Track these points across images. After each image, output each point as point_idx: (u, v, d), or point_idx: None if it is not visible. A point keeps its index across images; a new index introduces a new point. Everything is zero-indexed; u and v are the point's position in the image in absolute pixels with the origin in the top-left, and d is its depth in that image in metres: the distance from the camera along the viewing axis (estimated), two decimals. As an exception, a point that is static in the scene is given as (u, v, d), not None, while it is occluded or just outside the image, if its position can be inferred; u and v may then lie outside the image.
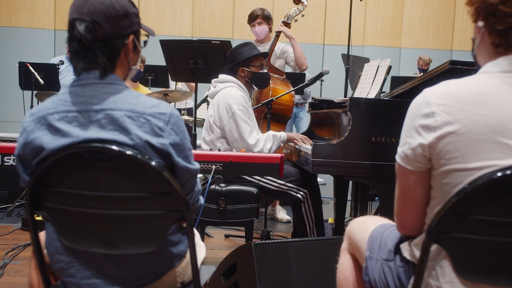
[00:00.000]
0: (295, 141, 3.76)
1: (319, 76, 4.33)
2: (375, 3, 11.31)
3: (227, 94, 3.64)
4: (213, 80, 3.84)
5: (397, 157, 1.69)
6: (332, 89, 8.02)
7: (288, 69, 5.50)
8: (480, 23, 1.63)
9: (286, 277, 2.78)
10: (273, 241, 2.86)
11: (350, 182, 4.00)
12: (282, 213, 5.42)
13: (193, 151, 2.65)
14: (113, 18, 1.70)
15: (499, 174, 1.47)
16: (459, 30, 11.35)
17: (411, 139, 1.62)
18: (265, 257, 2.77)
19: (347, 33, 11.04)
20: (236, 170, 2.74)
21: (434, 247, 1.61)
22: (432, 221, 1.56)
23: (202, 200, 1.90)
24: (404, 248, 1.77)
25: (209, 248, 4.18)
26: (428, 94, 1.61)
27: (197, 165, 1.82)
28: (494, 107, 1.51)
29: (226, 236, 4.66)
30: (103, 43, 1.71)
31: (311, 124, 4.46)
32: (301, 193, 3.62)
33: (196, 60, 4.55)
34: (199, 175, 3.11)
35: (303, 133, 4.25)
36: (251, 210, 3.49)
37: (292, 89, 4.50)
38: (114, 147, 1.62)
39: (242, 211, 3.48)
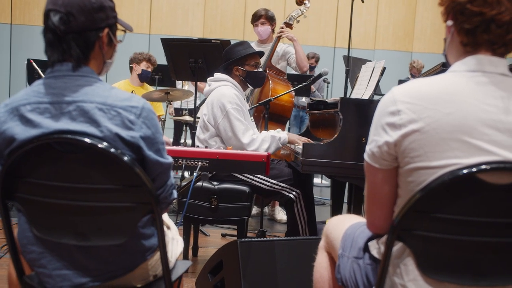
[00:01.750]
0: (297, 144, 3.75)
1: (318, 77, 4.35)
2: (386, 6, 11.28)
3: (221, 93, 3.66)
4: (208, 79, 3.87)
5: (365, 155, 1.69)
6: (339, 91, 8.01)
7: (291, 70, 5.51)
8: (449, 22, 1.63)
9: (272, 275, 2.79)
10: (259, 239, 2.86)
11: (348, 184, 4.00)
12: (281, 214, 5.42)
13: (180, 148, 2.69)
14: (88, 10, 1.72)
15: (464, 171, 1.46)
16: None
17: (377, 136, 1.62)
18: (251, 255, 2.77)
19: (358, 36, 11.12)
20: (223, 168, 2.75)
21: (399, 245, 1.62)
22: (396, 217, 1.56)
23: (175, 194, 1.90)
24: (372, 246, 1.77)
25: (204, 247, 4.22)
26: (396, 92, 1.61)
27: (169, 159, 1.83)
28: (459, 106, 1.51)
29: (223, 235, 4.66)
30: (77, 35, 1.73)
31: (309, 125, 4.46)
32: (294, 193, 3.62)
33: (196, 59, 4.57)
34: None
35: (302, 134, 4.25)
36: (243, 208, 3.50)
37: (291, 89, 4.51)
38: (87, 140, 1.63)
39: (234, 210, 3.49)
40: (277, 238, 2.88)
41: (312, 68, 8.26)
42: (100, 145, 1.63)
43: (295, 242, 2.87)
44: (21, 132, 1.67)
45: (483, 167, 1.46)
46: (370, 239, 1.81)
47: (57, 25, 1.68)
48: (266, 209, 5.61)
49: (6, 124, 1.70)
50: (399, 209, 1.57)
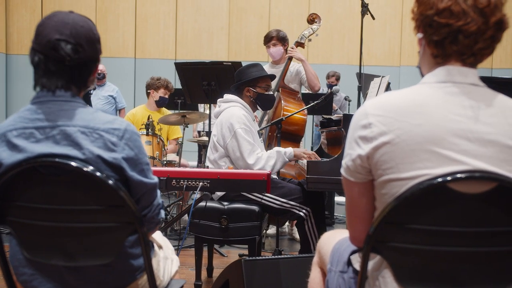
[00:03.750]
0: (303, 158, 3.77)
1: (329, 95, 4.38)
2: (411, 23, 11.20)
3: (230, 113, 3.70)
4: (218, 100, 3.92)
5: (341, 169, 1.70)
6: (361, 109, 7.98)
7: (306, 90, 5.53)
8: (419, 35, 1.65)
9: (277, 293, 2.80)
10: (263, 257, 2.88)
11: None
12: (301, 233, 5.40)
13: (182, 169, 2.73)
14: (92, 41, 1.82)
15: (433, 181, 1.47)
16: (499, 48, 10.90)
17: (351, 150, 1.64)
18: (256, 273, 2.79)
19: (383, 54, 11.09)
20: (224, 187, 2.78)
21: (377, 258, 1.62)
22: (370, 228, 1.57)
23: (163, 214, 1.93)
24: (355, 259, 1.78)
25: (220, 267, 4.23)
26: (367, 106, 1.63)
27: (154, 179, 1.86)
28: (428, 117, 1.52)
29: (240, 256, 4.68)
30: (83, 65, 1.81)
31: (325, 143, 4.47)
32: (304, 210, 3.62)
33: (209, 81, 4.64)
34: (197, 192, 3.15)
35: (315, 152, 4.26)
36: (253, 228, 3.51)
37: (302, 108, 4.54)
38: (73, 163, 1.68)
39: (244, 229, 3.50)
40: (282, 256, 2.89)
41: (332, 86, 8.27)
42: (85, 169, 1.68)
43: (300, 260, 2.88)
44: (7, 157, 1.73)
45: (458, 175, 1.47)
46: (353, 252, 1.82)
47: (70, 54, 1.75)
48: (286, 229, 5.61)
49: None
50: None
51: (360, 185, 1.66)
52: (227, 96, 3.88)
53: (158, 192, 1.91)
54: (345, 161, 1.67)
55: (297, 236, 5.38)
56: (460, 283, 1.56)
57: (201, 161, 7.15)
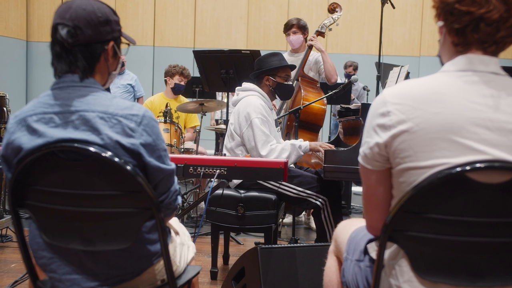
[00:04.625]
0: (319, 151, 3.76)
1: (348, 85, 4.36)
2: (432, 12, 11.12)
3: (248, 102, 3.70)
4: (236, 88, 3.93)
5: (359, 157, 1.70)
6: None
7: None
8: (440, 23, 1.63)
9: (292, 281, 2.80)
10: (279, 245, 2.88)
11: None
12: (317, 222, 5.40)
13: (199, 156, 2.73)
14: (95, 24, 1.79)
15: (451, 171, 1.46)
16: (523, 38, 10.97)
17: (369, 138, 1.63)
18: (271, 261, 2.79)
19: (403, 44, 11.01)
20: (241, 175, 2.78)
21: (394, 246, 1.62)
22: (387, 217, 1.56)
23: (179, 200, 1.94)
24: (371, 248, 1.78)
25: (236, 255, 4.25)
26: (386, 94, 1.61)
27: (172, 166, 1.87)
28: (447, 106, 1.51)
29: (256, 244, 4.68)
30: (83, 47, 1.80)
31: (342, 133, 4.45)
32: (320, 200, 3.63)
33: (227, 70, 4.64)
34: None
35: (331, 142, 4.25)
36: (269, 216, 3.52)
37: (320, 97, 4.52)
38: (91, 149, 1.69)
39: (260, 217, 3.52)
40: (298, 245, 2.89)
41: (349, 76, 8.23)
42: (103, 154, 1.69)
43: (316, 249, 2.88)
44: (27, 141, 1.75)
45: (477, 165, 1.45)
46: (370, 241, 1.81)
47: (65, 38, 1.75)
48: (303, 218, 5.62)
49: (14, 135, 1.78)
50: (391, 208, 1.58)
51: (377, 173, 1.65)
52: (245, 85, 3.88)
53: (175, 178, 1.92)
54: (363, 149, 1.66)
55: (313, 225, 5.38)
56: (477, 273, 1.55)
57: (218, 149, 7.17)
